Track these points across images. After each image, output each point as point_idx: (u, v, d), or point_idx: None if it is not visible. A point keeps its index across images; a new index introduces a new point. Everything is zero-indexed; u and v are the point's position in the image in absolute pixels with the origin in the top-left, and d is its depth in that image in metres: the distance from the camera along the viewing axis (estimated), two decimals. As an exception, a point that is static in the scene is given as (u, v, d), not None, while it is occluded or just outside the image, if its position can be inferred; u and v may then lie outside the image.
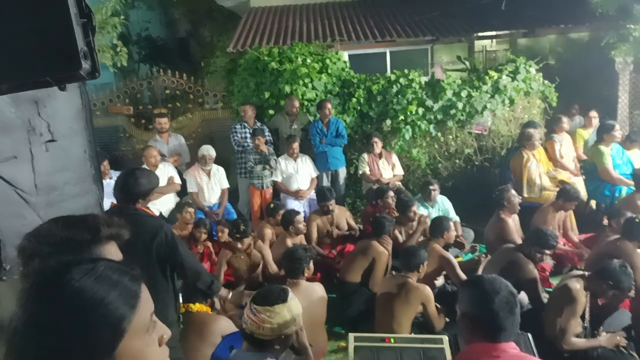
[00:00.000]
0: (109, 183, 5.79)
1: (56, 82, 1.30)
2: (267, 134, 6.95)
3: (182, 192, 6.56)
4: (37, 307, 0.93)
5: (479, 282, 2.01)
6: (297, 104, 6.98)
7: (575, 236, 5.68)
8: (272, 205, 5.86)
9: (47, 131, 2.18)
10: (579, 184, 6.53)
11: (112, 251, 1.58)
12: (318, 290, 3.81)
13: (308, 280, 3.96)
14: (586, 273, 3.76)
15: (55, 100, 2.20)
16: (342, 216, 6.05)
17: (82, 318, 0.92)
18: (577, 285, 3.62)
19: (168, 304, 3.22)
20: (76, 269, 0.97)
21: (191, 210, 5.78)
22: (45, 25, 1.22)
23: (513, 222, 5.22)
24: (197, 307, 3.75)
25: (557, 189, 6.07)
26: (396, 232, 5.44)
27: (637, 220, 4.41)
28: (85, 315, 0.92)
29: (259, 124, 7.17)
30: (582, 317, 3.66)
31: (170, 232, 3.21)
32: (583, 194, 6.50)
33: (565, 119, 6.98)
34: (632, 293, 3.73)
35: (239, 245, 4.93)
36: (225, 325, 3.60)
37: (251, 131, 7.00)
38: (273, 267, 4.96)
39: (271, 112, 7.26)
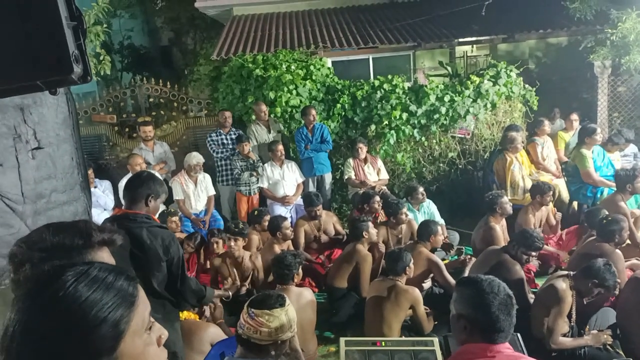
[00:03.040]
0: (94, 192, 5.74)
1: (47, 86, 1.28)
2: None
3: (168, 200, 6.50)
4: (33, 313, 0.92)
5: (477, 283, 1.98)
6: (264, 108, 7.02)
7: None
8: (255, 212, 5.84)
9: (34, 138, 2.15)
10: (561, 186, 6.63)
11: (105, 257, 1.56)
12: (307, 295, 3.81)
13: (297, 285, 3.96)
14: (571, 273, 3.81)
15: (41, 107, 2.18)
16: (329, 221, 6.05)
17: (80, 321, 0.92)
18: (563, 285, 3.66)
19: (174, 313, 3.21)
20: (70, 272, 0.97)
21: (175, 219, 5.73)
22: (35, 29, 1.21)
23: (501, 228, 5.27)
24: (184, 314, 3.73)
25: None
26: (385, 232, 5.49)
27: (605, 221, 4.47)
28: (83, 318, 0.92)
29: (233, 129, 7.17)
30: (569, 317, 3.70)
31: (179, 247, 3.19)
32: (565, 195, 6.60)
33: (546, 122, 7.08)
34: (616, 291, 3.79)
35: (233, 244, 4.88)
36: (214, 333, 3.57)
37: (227, 138, 6.99)
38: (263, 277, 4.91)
39: (254, 117, 7.25)
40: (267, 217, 5.62)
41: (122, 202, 3.15)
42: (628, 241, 5.03)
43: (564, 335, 3.66)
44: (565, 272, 3.89)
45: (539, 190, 5.59)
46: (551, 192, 5.60)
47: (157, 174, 6.51)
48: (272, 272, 4.16)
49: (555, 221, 5.87)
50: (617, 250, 4.37)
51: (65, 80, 1.27)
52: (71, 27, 1.25)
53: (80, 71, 1.26)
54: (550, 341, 3.60)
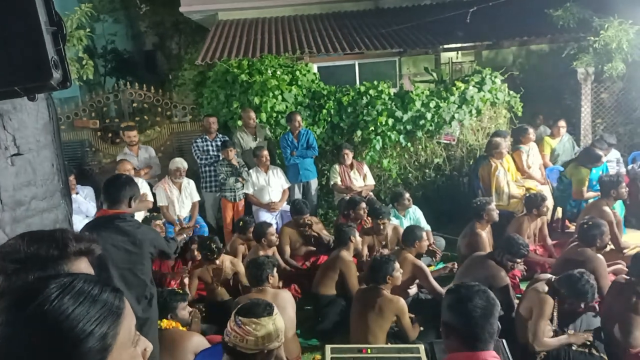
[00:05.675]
0: (76, 198, 5.66)
1: (25, 92, 1.25)
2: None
3: (153, 208, 6.42)
4: (18, 327, 0.90)
5: (457, 291, 2.01)
6: (253, 115, 6.98)
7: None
8: (241, 222, 5.78)
9: (13, 145, 2.11)
10: (546, 192, 6.66)
11: (82, 267, 1.50)
12: (285, 296, 3.78)
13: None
14: (553, 277, 3.83)
15: (21, 113, 2.14)
16: (315, 227, 6.02)
17: (66, 335, 0.90)
18: (544, 287, 3.70)
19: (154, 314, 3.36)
20: (54, 285, 0.94)
21: (159, 223, 5.66)
22: (14, 34, 1.18)
23: (486, 234, 5.28)
24: (165, 323, 3.63)
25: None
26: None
27: (586, 226, 4.49)
28: (69, 332, 0.90)
29: (220, 136, 7.13)
30: (551, 320, 3.72)
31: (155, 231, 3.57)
32: (550, 201, 6.63)
33: (531, 130, 7.11)
34: (597, 297, 3.82)
35: (212, 265, 4.87)
36: (197, 342, 3.51)
37: (212, 144, 6.94)
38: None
39: (239, 123, 7.22)
40: (252, 229, 5.57)
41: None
42: (611, 246, 5.08)
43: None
44: (548, 276, 3.91)
45: (535, 204, 5.50)
46: (546, 202, 5.58)
47: (143, 179, 6.48)
48: (247, 275, 4.08)
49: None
50: (599, 255, 4.39)
51: (44, 86, 1.24)
52: (50, 33, 1.21)
53: (59, 77, 1.23)
54: (534, 343, 3.61)
